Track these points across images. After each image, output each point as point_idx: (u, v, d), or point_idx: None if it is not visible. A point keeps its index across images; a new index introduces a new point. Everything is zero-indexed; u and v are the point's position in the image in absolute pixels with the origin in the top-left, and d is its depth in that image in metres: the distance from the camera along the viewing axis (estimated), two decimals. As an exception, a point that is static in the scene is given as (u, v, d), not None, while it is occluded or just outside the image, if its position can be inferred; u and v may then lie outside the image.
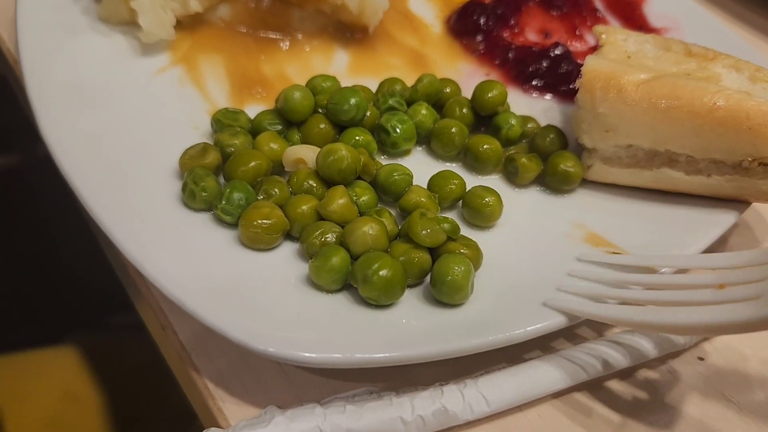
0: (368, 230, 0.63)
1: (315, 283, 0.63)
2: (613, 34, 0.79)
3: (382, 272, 0.60)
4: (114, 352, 1.17)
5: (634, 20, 0.98)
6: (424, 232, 0.64)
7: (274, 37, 0.88)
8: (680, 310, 0.58)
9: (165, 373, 0.71)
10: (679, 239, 0.71)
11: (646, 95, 0.72)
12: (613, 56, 0.77)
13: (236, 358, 0.64)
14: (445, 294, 0.62)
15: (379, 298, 0.61)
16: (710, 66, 0.76)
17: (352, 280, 0.62)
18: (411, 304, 0.64)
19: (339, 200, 0.67)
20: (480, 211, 0.70)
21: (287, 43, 0.88)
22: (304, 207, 0.67)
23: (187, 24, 0.87)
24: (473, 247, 0.66)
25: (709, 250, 0.76)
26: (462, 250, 0.64)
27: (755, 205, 0.79)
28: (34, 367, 1.12)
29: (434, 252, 0.65)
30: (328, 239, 0.65)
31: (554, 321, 0.62)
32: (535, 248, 0.70)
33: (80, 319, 1.30)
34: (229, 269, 0.64)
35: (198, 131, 0.77)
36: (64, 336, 1.18)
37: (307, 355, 0.56)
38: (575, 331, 0.69)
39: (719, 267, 0.63)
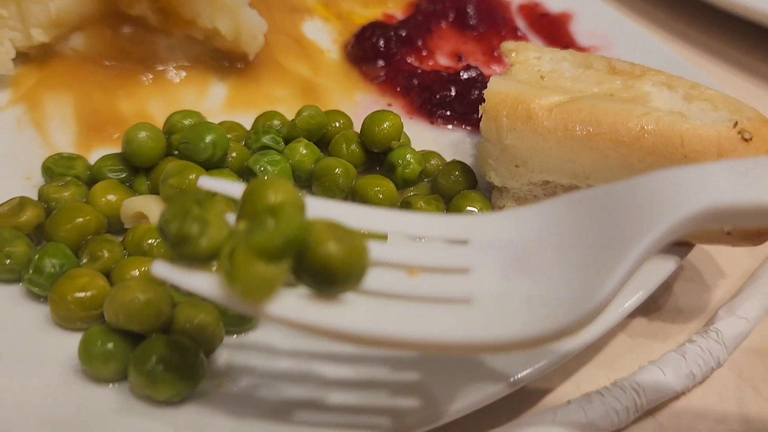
0: (138, 297, 0.48)
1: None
2: (524, 52, 0.67)
3: (166, 362, 0.46)
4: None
5: (560, 39, 0.87)
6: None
7: (139, 69, 0.75)
8: (352, 310, 0.40)
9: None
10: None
11: (560, 122, 0.60)
12: (523, 77, 0.65)
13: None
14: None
15: (181, 393, 0.47)
16: (637, 84, 0.64)
17: (135, 387, 0.48)
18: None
19: None
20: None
21: (150, 76, 0.75)
22: (136, 272, 0.53)
23: (35, 57, 0.74)
24: None
25: (652, 298, 0.65)
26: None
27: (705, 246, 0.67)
28: None
29: None
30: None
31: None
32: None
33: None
34: (23, 361, 0.50)
35: (30, 182, 0.64)
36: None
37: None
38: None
39: (409, 232, 0.46)
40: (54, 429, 0.46)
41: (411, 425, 0.47)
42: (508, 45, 0.68)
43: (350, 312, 0.40)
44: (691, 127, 0.59)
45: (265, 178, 0.42)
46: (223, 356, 0.52)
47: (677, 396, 0.60)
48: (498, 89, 0.62)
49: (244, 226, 0.39)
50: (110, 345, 0.48)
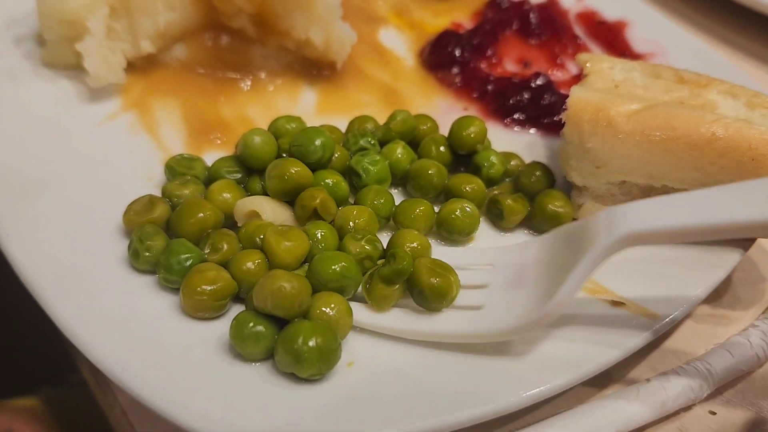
0: (284, 285, 0.55)
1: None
2: (598, 62, 0.74)
3: (311, 343, 0.53)
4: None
5: (617, 46, 0.93)
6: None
7: (235, 77, 0.82)
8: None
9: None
10: (682, 282, 0.65)
11: (638, 127, 0.66)
12: (599, 86, 0.71)
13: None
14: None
15: (322, 371, 0.54)
16: (704, 93, 0.70)
17: (281, 365, 0.54)
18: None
19: (285, 243, 0.60)
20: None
21: (249, 83, 0.82)
22: (250, 264, 0.59)
23: (140, 66, 0.81)
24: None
25: (714, 289, 0.70)
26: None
27: (759, 240, 0.73)
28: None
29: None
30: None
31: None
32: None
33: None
34: (175, 342, 0.56)
35: (151, 182, 0.71)
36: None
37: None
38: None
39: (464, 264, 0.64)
40: (209, 402, 0.52)
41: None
42: (583, 56, 0.75)
43: (442, 320, 0.60)
44: (758, 132, 0.65)
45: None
46: (352, 341, 0.59)
47: (743, 375, 0.66)
48: (580, 97, 0.68)
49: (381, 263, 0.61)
50: (260, 327, 0.54)
